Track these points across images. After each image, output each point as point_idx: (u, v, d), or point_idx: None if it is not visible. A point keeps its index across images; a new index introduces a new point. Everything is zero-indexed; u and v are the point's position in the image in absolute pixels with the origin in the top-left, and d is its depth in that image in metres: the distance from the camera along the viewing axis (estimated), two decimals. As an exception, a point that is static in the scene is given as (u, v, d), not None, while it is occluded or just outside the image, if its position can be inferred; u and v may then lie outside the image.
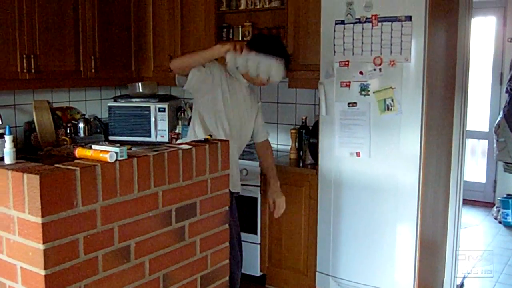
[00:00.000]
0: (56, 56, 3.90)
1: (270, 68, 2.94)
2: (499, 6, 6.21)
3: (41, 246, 1.60)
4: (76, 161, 1.80)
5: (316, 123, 3.73)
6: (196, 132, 3.08)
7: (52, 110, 4.19)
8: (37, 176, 1.56)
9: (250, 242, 3.94)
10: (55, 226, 1.62)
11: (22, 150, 3.90)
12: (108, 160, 1.78)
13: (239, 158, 3.29)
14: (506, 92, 5.73)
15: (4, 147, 1.81)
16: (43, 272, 1.61)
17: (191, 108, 4.69)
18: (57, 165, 1.72)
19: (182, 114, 4.67)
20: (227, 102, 3.05)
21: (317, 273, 3.66)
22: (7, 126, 1.85)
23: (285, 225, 3.81)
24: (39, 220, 1.58)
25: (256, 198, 3.88)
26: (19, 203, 1.63)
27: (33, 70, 3.71)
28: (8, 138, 1.82)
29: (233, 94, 3.08)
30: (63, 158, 3.57)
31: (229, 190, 2.50)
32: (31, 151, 3.91)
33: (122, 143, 3.17)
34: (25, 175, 1.60)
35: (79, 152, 1.86)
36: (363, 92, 3.30)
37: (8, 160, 1.79)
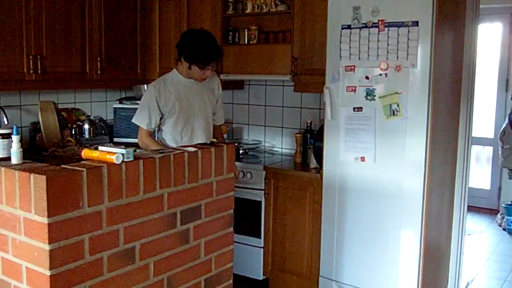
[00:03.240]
0: (62, 57, 3.91)
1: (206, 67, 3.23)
2: (506, 12, 6.21)
3: (46, 246, 1.60)
4: (82, 162, 1.81)
5: (321, 128, 3.73)
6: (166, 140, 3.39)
7: (58, 111, 4.19)
8: (44, 177, 1.57)
9: (254, 246, 3.94)
10: (61, 227, 1.63)
11: (27, 150, 3.89)
12: (115, 161, 1.78)
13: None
14: (512, 99, 5.73)
15: (11, 147, 1.82)
16: (48, 272, 1.61)
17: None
18: (63, 166, 1.73)
19: (187, 116, 4.67)
20: (183, 110, 3.32)
21: (320, 277, 3.65)
22: (14, 126, 1.86)
23: (288, 229, 3.80)
24: (45, 220, 1.59)
25: (260, 202, 3.88)
26: (26, 203, 1.64)
27: (39, 71, 3.72)
28: (15, 138, 1.82)
29: (186, 99, 3.34)
30: (68, 159, 3.58)
31: None
32: (36, 151, 3.92)
33: (126, 145, 3.18)
34: (32, 175, 1.60)
35: (85, 153, 1.87)
36: (368, 97, 3.30)
37: (15, 160, 1.79)
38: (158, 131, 3.44)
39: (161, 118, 3.32)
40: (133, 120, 3.38)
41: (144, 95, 3.41)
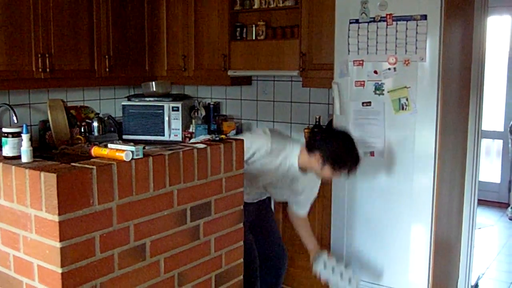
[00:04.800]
0: (71, 56, 3.92)
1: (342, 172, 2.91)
2: (515, 5, 6.16)
3: (58, 244, 1.61)
4: (92, 160, 1.81)
5: (330, 123, 3.72)
6: None
7: (67, 109, 4.22)
8: (54, 175, 1.57)
9: (263, 242, 3.94)
10: (72, 224, 1.63)
11: (37, 148, 3.90)
12: (124, 159, 1.78)
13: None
14: (521, 91, 5.69)
15: (21, 146, 1.82)
16: (59, 270, 1.62)
17: (204, 107, 4.71)
18: (73, 164, 1.73)
19: (196, 113, 4.68)
20: (266, 179, 3.01)
21: (330, 273, 3.65)
22: (24, 125, 1.86)
23: (298, 224, 3.80)
24: (56, 218, 1.59)
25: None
26: (36, 201, 1.64)
27: (48, 69, 3.74)
28: (25, 137, 1.83)
29: (281, 177, 3.01)
30: (77, 157, 3.59)
31: None
32: (45, 149, 3.94)
33: (135, 142, 3.17)
34: (42, 174, 1.61)
35: (95, 151, 1.87)
36: (377, 92, 3.28)
37: (25, 158, 1.80)
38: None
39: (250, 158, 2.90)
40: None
41: (257, 136, 2.97)
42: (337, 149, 2.84)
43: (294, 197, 3.21)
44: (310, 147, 2.90)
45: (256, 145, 2.88)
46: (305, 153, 2.91)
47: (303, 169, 2.96)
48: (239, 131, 4.59)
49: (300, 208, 3.26)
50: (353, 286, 3.01)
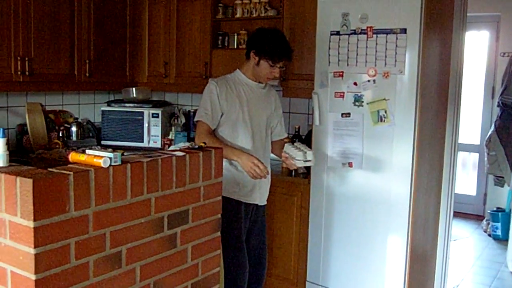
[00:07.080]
0: (51, 59, 3.89)
1: (277, 66, 3.11)
2: (493, 21, 6.27)
3: (32, 250, 1.58)
4: (69, 165, 1.80)
5: (310, 133, 3.74)
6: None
7: (45, 113, 4.17)
8: (31, 180, 1.55)
9: (241, 250, 3.93)
10: (47, 231, 1.61)
11: (14, 152, 3.87)
12: (102, 165, 1.77)
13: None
14: (498, 106, 5.76)
15: (-3, 150, 1.80)
16: (33, 277, 1.60)
17: (184, 114, 4.71)
18: (50, 169, 1.71)
19: (176, 120, 4.67)
20: (244, 113, 3.13)
21: (307, 282, 3.66)
22: (1, 129, 1.84)
23: (276, 234, 3.81)
24: (31, 224, 1.57)
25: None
26: (11, 206, 1.62)
27: (27, 73, 3.71)
28: (1, 141, 1.81)
29: (247, 102, 3.16)
30: (54, 162, 3.56)
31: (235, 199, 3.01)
32: (22, 153, 3.89)
33: (114, 148, 3.16)
34: (18, 179, 1.59)
35: (72, 156, 1.85)
36: (356, 103, 3.32)
37: (1, 163, 1.78)
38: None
39: (220, 116, 3.11)
40: (195, 119, 3.15)
41: (204, 91, 3.14)
42: (265, 41, 3.08)
43: (278, 124, 3.42)
44: (246, 53, 3.17)
45: (206, 94, 3.11)
46: (246, 62, 3.18)
47: (253, 80, 3.19)
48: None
49: (283, 131, 3.48)
50: (306, 157, 3.06)
